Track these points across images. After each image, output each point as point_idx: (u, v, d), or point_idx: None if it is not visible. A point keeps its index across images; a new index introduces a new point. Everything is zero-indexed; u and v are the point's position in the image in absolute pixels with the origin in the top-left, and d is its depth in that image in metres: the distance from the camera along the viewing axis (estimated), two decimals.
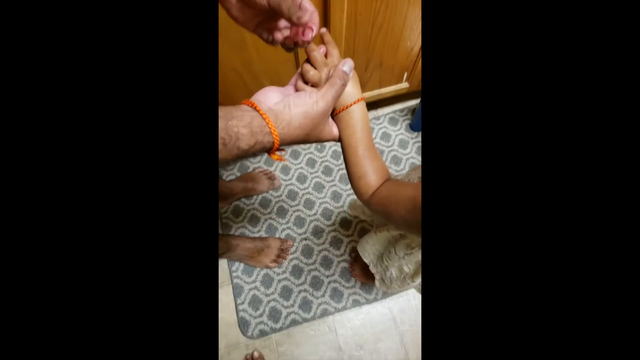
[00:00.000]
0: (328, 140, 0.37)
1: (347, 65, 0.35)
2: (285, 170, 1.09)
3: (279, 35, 0.37)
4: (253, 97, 0.32)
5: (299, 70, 0.37)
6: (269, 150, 0.31)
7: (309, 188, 1.06)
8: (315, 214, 1.03)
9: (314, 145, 1.12)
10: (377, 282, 0.66)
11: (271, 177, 1.06)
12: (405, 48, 0.84)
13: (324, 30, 0.38)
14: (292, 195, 1.06)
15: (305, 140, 0.34)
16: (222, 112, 0.28)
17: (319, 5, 0.64)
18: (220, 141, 0.27)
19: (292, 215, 1.03)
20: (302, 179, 1.08)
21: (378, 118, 1.14)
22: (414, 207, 0.31)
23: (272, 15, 0.35)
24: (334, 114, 0.37)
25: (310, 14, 0.35)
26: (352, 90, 0.37)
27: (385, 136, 1.11)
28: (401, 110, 1.15)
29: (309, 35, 0.35)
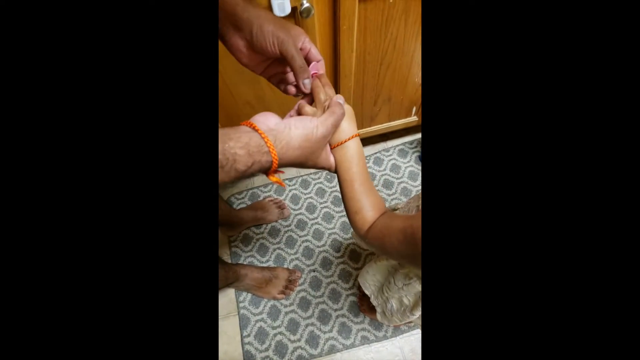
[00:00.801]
0: (324, 168, 0.38)
1: (340, 99, 0.37)
2: (295, 199, 1.10)
3: (292, 89, 0.40)
4: (252, 119, 0.32)
5: (297, 103, 0.39)
6: (267, 170, 0.31)
7: (318, 218, 1.06)
8: (324, 245, 1.02)
9: (323, 175, 1.13)
10: (378, 315, 0.64)
11: (281, 207, 1.07)
12: (413, 84, 0.86)
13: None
14: (301, 225, 1.06)
15: (303, 163, 0.34)
16: (219, 134, 0.28)
17: (329, 44, 0.68)
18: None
19: (300, 245, 1.03)
20: (311, 208, 1.08)
21: (387, 150, 1.15)
22: (405, 238, 0.31)
23: (280, 60, 0.38)
24: (331, 148, 0.38)
25: (318, 64, 0.39)
26: (348, 127, 0.38)
27: (395, 168, 1.12)
28: (410, 143, 1.16)
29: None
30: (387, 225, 0.35)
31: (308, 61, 0.38)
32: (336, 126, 0.35)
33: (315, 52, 0.38)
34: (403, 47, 0.72)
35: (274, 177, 0.32)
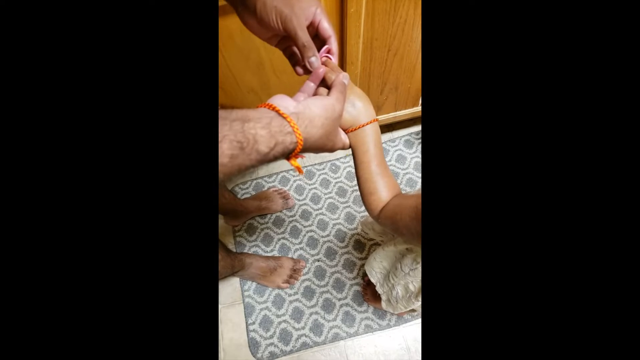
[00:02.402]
0: (340, 149, 0.37)
1: (345, 77, 0.36)
2: (299, 190, 1.10)
3: (299, 70, 0.39)
4: (270, 100, 0.31)
5: (305, 83, 0.38)
6: (291, 153, 0.30)
7: (322, 209, 1.06)
8: (328, 235, 1.02)
9: (328, 165, 1.12)
10: (383, 303, 0.64)
11: (285, 197, 1.07)
12: (420, 72, 0.85)
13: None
14: (305, 215, 1.06)
15: (324, 144, 0.33)
16: (239, 114, 0.27)
17: (335, 29, 0.67)
18: (237, 145, 0.26)
19: (305, 235, 1.03)
20: (315, 199, 1.08)
21: (393, 140, 1.14)
22: (416, 215, 0.32)
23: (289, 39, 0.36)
24: (348, 131, 0.38)
25: (329, 40, 0.37)
26: (367, 111, 0.38)
27: (401, 159, 1.11)
28: (417, 133, 1.15)
29: (321, 74, 0.36)
30: (400, 203, 0.36)
31: (319, 35, 0.37)
32: (344, 103, 0.35)
33: (326, 26, 0.36)
34: (412, 33, 0.71)
35: (295, 162, 0.32)
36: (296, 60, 0.39)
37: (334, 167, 1.12)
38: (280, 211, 1.06)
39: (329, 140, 0.33)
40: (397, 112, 1.00)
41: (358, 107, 0.38)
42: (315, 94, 0.37)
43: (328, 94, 0.35)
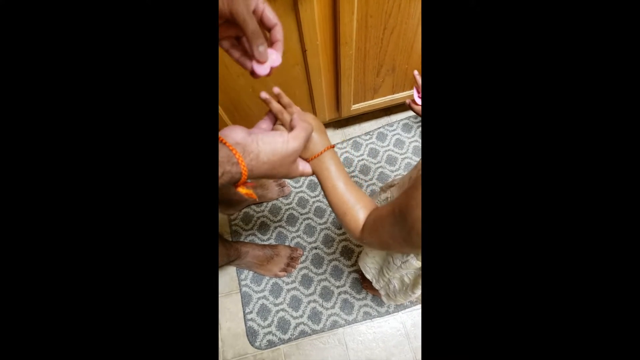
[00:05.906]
0: (299, 176, 0.39)
1: (297, 112, 0.39)
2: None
3: (248, 64, 0.37)
4: (220, 132, 0.32)
5: (268, 113, 0.41)
6: (237, 181, 0.32)
7: (319, 196, 1.04)
8: (325, 223, 1.01)
9: None
10: (384, 298, 0.65)
11: (281, 185, 1.05)
12: (418, 52, 0.81)
13: (277, 90, 0.41)
14: (302, 203, 1.04)
15: (272, 175, 0.34)
16: None
17: (328, 6, 0.63)
18: None
19: (302, 223, 1.01)
20: (312, 186, 1.06)
21: (391, 124, 1.11)
22: (394, 219, 0.32)
23: (233, 22, 0.34)
24: (309, 160, 0.40)
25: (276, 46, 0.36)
26: (320, 140, 0.40)
27: (399, 143, 1.09)
28: (415, 117, 1.12)
29: (262, 73, 0.36)
30: (378, 215, 0.36)
31: (263, 25, 0.35)
32: (307, 139, 0.36)
33: (269, 15, 0.34)
34: (409, 9, 0.67)
35: (244, 189, 0.33)
36: (240, 53, 0.37)
37: None
38: (277, 199, 1.04)
39: (279, 172, 0.35)
40: (395, 95, 0.97)
41: (313, 139, 0.39)
42: (275, 122, 0.40)
43: (290, 128, 0.36)
